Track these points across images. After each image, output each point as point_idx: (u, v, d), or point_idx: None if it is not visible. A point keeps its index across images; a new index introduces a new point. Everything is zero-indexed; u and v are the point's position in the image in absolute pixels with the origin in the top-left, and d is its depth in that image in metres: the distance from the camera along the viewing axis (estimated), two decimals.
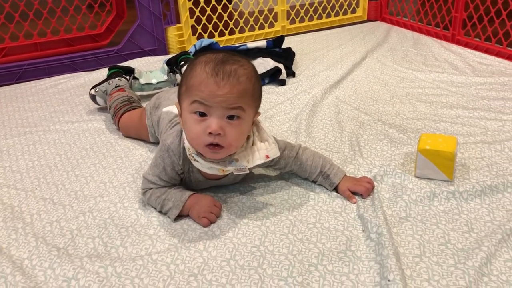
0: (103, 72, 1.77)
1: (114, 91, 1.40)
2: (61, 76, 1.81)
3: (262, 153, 0.94)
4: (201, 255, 0.87)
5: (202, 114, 0.87)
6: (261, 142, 0.96)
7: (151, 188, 0.98)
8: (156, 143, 1.25)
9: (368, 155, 1.18)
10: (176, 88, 1.20)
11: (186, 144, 0.93)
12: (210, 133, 0.86)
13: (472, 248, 0.86)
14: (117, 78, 1.45)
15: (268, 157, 0.95)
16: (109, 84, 1.43)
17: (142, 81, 1.52)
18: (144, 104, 1.35)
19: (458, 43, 1.98)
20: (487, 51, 1.86)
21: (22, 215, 1.00)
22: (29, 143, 1.30)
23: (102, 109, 1.50)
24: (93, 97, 1.45)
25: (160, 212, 0.98)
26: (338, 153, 1.20)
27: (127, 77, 1.49)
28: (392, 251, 0.83)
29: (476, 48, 1.90)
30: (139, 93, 1.51)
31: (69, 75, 1.82)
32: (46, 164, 1.19)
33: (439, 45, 1.99)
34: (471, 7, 1.91)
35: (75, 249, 0.89)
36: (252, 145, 0.95)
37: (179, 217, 0.96)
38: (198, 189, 1.02)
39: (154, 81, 1.54)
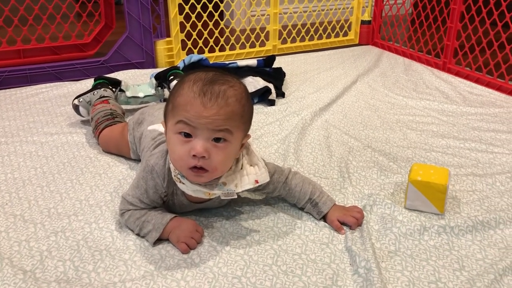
0: (88, 83, 1.72)
1: (98, 102, 1.34)
2: (43, 85, 1.75)
3: (251, 177, 0.90)
4: (178, 285, 0.81)
5: (187, 135, 0.83)
6: (251, 166, 0.92)
7: (129, 210, 0.93)
8: (137, 160, 1.20)
9: (357, 183, 1.14)
10: (161, 104, 1.16)
11: (172, 165, 0.88)
12: (194, 155, 0.82)
13: None
14: (102, 89, 1.39)
15: (258, 182, 0.91)
16: (93, 94, 1.38)
17: (128, 94, 1.47)
18: (128, 119, 1.30)
19: (449, 71, 1.98)
20: (477, 81, 1.85)
21: None
22: (4, 154, 1.24)
23: (84, 122, 1.44)
24: (76, 108, 1.39)
25: (138, 235, 0.93)
26: (326, 179, 1.16)
27: (113, 89, 1.44)
28: None
29: (467, 77, 1.90)
30: (124, 107, 1.46)
31: (51, 84, 1.76)
32: (20, 178, 1.13)
33: (430, 72, 1.98)
34: (463, 36, 1.91)
35: (43, 272, 0.83)
36: (241, 168, 0.91)
37: (158, 241, 0.91)
38: (180, 212, 0.97)
39: (141, 94, 1.49)
